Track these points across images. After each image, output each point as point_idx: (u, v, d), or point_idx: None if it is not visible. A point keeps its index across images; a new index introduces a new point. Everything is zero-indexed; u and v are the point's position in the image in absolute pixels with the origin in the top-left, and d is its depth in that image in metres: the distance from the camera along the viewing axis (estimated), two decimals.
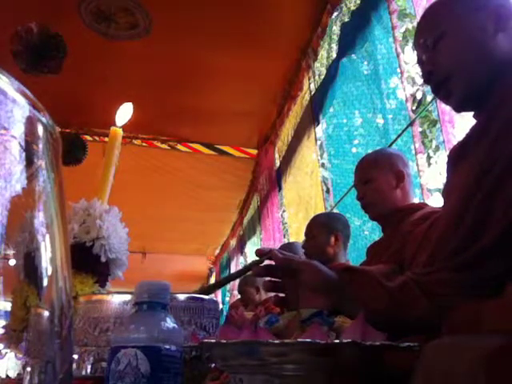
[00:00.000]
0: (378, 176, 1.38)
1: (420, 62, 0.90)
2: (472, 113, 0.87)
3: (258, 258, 0.81)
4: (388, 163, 1.40)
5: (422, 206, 1.35)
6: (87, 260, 1.05)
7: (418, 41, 0.89)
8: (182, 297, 0.77)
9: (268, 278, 0.82)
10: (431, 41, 0.85)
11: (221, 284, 1.06)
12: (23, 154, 0.21)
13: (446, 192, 0.88)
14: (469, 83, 0.82)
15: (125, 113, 1.22)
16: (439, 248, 0.80)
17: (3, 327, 0.21)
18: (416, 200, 1.76)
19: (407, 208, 1.34)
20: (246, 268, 0.83)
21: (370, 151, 2.25)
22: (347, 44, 2.45)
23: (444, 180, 0.94)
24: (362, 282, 0.75)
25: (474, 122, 0.87)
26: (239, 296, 3.05)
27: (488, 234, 0.69)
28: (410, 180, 1.42)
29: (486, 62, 0.80)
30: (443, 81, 0.84)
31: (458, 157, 0.86)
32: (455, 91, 0.84)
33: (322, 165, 2.95)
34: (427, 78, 0.88)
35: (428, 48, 0.86)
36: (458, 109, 0.88)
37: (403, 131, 1.96)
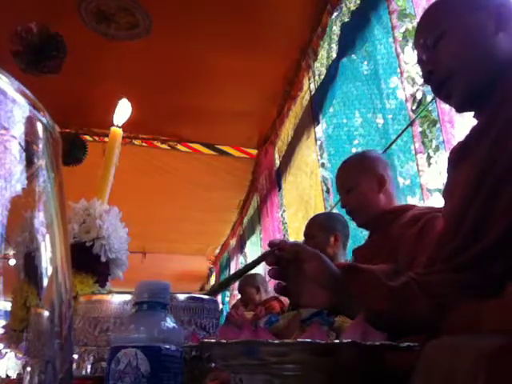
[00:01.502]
0: (359, 183, 1.38)
1: (420, 61, 0.90)
2: (472, 113, 0.87)
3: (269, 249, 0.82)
4: (368, 168, 1.39)
5: (409, 207, 1.35)
6: (87, 260, 1.05)
7: (419, 40, 0.89)
8: (182, 297, 0.77)
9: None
10: (431, 40, 0.85)
11: (234, 278, 1.05)
12: (23, 154, 0.21)
13: (447, 192, 0.88)
14: (469, 83, 0.82)
15: (123, 110, 1.22)
16: (440, 248, 0.80)
17: (3, 327, 0.21)
18: (416, 200, 1.76)
19: (394, 211, 1.33)
20: (259, 259, 0.84)
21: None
22: (347, 44, 2.45)
23: (444, 180, 0.94)
24: (364, 280, 0.75)
25: (474, 121, 0.87)
26: (239, 296, 3.05)
27: (488, 234, 0.69)
28: (392, 181, 1.42)
29: (486, 61, 0.80)
30: (444, 80, 0.84)
31: (459, 157, 0.86)
32: (456, 91, 0.84)
33: (322, 165, 2.95)
34: (428, 77, 0.88)
35: (428, 48, 0.86)
36: (459, 109, 0.88)
37: (403, 131, 1.96)
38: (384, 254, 1.22)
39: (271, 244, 0.81)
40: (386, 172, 1.39)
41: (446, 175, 0.91)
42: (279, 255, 0.79)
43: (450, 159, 0.90)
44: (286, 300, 2.41)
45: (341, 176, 1.45)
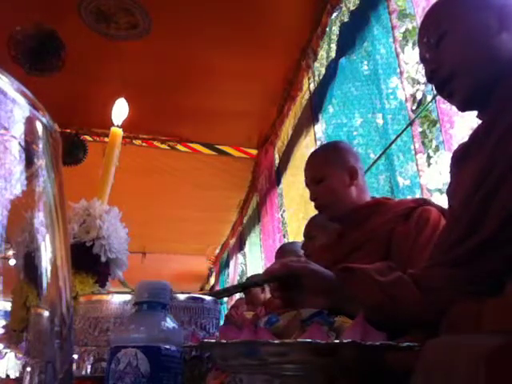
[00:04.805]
0: (330, 174, 1.30)
1: (423, 60, 0.90)
2: (474, 112, 0.87)
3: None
4: (339, 160, 1.32)
5: (385, 200, 1.29)
6: (87, 260, 1.05)
7: (422, 39, 0.89)
8: (181, 297, 0.77)
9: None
10: (434, 39, 0.85)
11: (237, 289, 1.10)
12: (23, 154, 0.21)
13: (450, 193, 0.88)
14: (472, 82, 0.82)
15: (120, 110, 1.22)
16: (439, 245, 0.80)
17: (3, 327, 0.21)
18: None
19: (370, 205, 1.28)
20: (263, 282, 0.90)
21: (369, 151, 2.25)
22: (347, 44, 2.45)
23: (444, 180, 0.94)
24: (356, 279, 0.76)
25: (476, 121, 0.87)
26: (239, 296, 3.04)
27: (484, 229, 0.69)
28: (363, 174, 1.36)
29: (489, 60, 0.80)
30: (446, 79, 0.84)
31: (462, 158, 0.86)
32: (458, 90, 0.83)
33: None
34: (430, 76, 0.88)
35: (431, 47, 0.86)
36: (462, 108, 0.88)
37: (403, 131, 1.96)
38: (366, 249, 1.16)
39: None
40: (357, 164, 1.32)
41: (450, 176, 0.91)
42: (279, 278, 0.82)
43: (452, 160, 0.90)
44: None
45: (310, 167, 1.37)
